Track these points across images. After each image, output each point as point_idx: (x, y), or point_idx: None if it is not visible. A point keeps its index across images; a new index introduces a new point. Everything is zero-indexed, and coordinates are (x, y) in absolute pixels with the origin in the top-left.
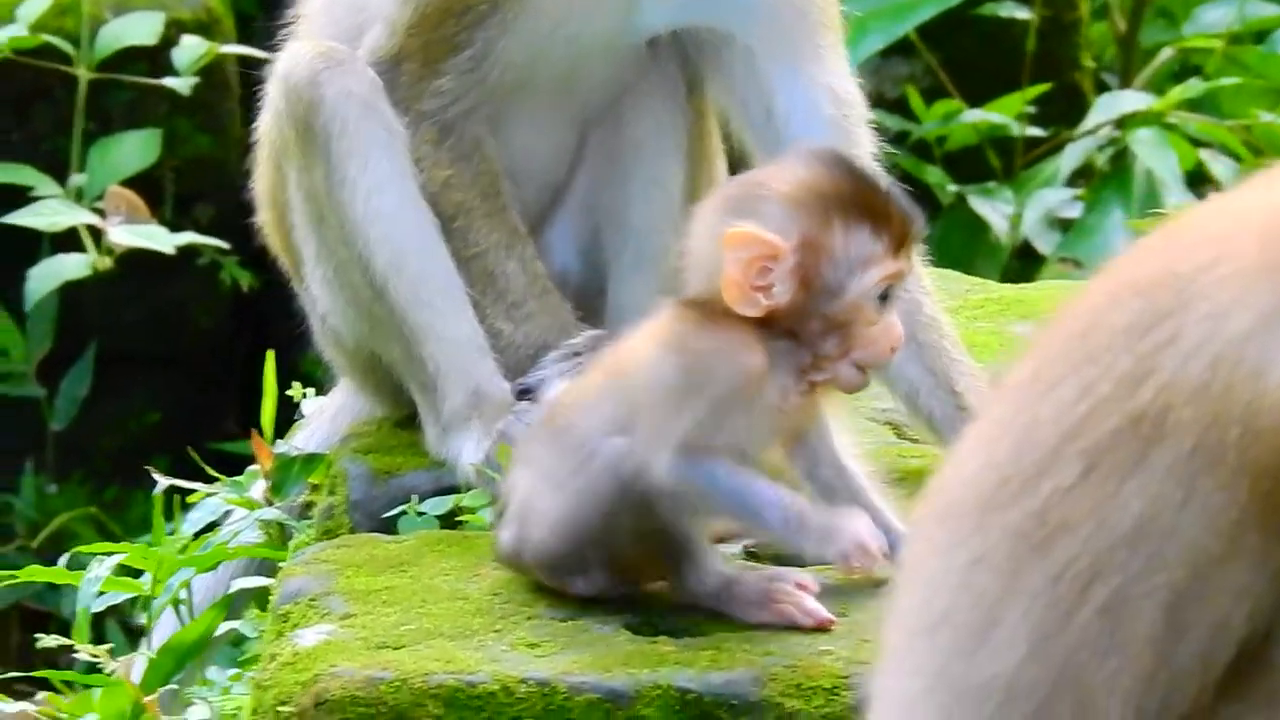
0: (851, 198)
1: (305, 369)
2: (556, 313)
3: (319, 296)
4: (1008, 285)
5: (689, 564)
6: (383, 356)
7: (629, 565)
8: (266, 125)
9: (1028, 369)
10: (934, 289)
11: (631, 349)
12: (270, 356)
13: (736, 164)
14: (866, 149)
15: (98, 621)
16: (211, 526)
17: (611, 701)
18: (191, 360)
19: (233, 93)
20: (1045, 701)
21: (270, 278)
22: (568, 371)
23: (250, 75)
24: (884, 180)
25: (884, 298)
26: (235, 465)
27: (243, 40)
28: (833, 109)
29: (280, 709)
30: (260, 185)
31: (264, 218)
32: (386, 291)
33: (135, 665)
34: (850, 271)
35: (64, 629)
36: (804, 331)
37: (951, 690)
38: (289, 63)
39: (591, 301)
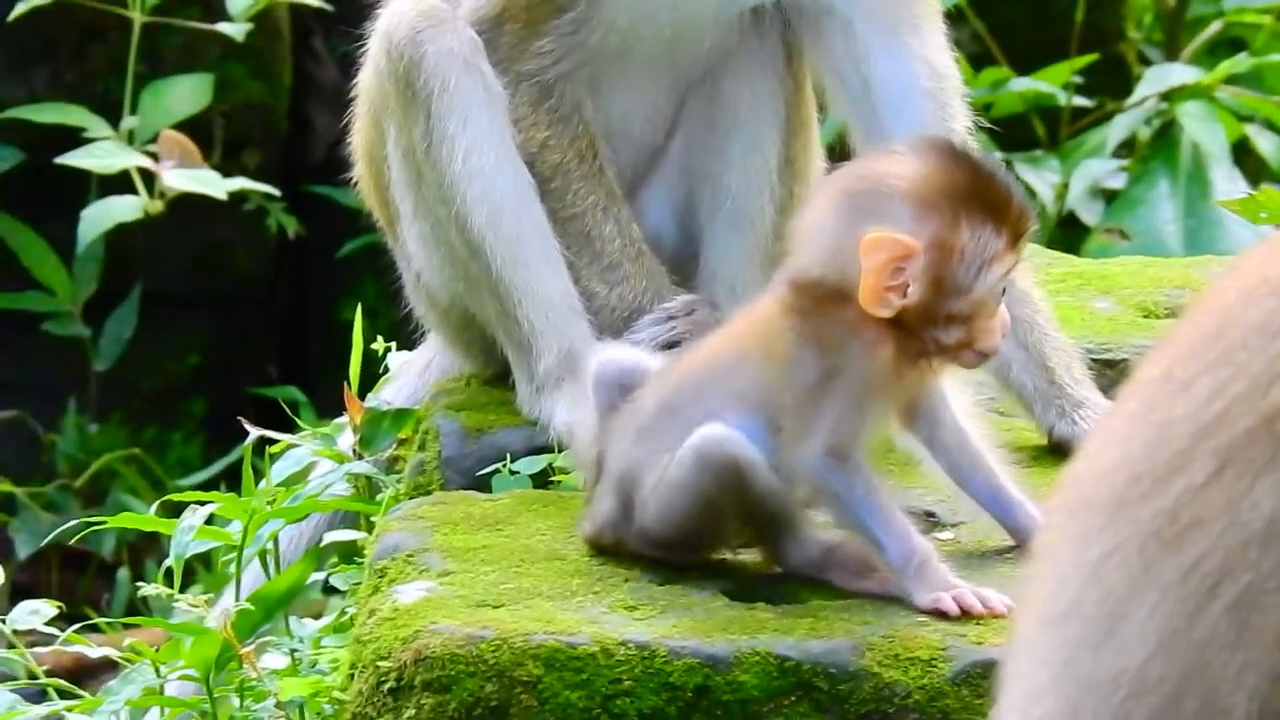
0: (977, 195)
1: (346, 317)
2: (651, 275)
3: (414, 253)
4: (1088, 259)
5: (789, 537)
6: (476, 314)
7: (732, 539)
8: (366, 82)
9: (1160, 366)
10: (1026, 263)
11: (754, 332)
12: (359, 310)
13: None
14: (962, 122)
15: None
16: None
17: (710, 666)
18: (233, 305)
19: (284, 40)
20: (1172, 696)
21: (311, 227)
22: (662, 335)
23: (301, 23)
24: (1001, 172)
25: (1003, 291)
26: (277, 411)
27: None
28: (929, 82)
29: (380, 664)
30: (358, 141)
31: (360, 173)
32: (483, 250)
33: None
34: (978, 270)
35: (103, 569)
36: (928, 327)
37: (1078, 683)
38: (391, 20)
39: (684, 265)
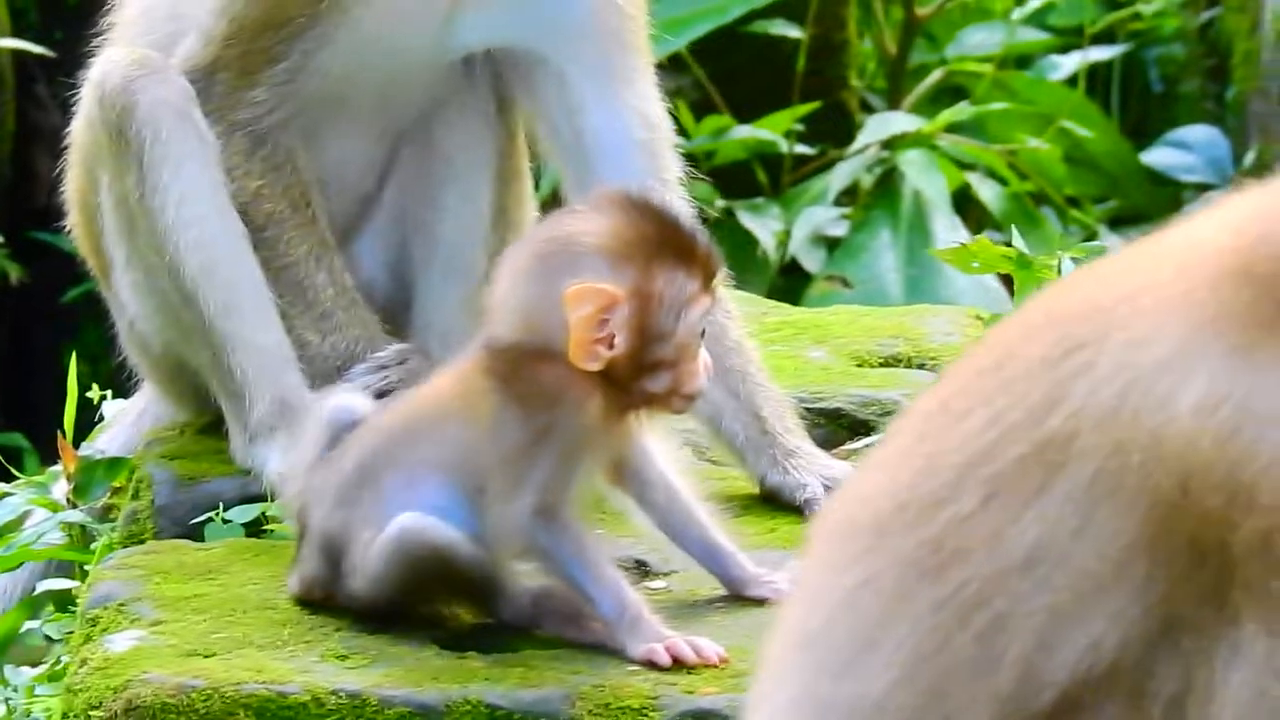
0: (665, 242)
1: (69, 364)
2: (364, 324)
3: (127, 301)
4: (804, 309)
5: (498, 596)
6: (190, 363)
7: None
8: (79, 130)
9: (936, 399)
10: (737, 313)
11: (454, 394)
12: (73, 358)
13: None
14: (674, 172)
15: None
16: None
17: (422, 715)
18: None
19: (7, 85)
20: None
21: (35, 272)
22: (374, 384)
23: (24, 69)
24: (685, 217)
25: (702, 333)
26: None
27: (17, 34)
28: (642, 132)
29: (91, 713)
30: (72, 189)
31: (74, 221)
32: (196, 299)
33: None
34: (677, 314)
35: None
36: (636, 376)
37: (817, 706)
38: (104, 69)
39: (398, 314)
